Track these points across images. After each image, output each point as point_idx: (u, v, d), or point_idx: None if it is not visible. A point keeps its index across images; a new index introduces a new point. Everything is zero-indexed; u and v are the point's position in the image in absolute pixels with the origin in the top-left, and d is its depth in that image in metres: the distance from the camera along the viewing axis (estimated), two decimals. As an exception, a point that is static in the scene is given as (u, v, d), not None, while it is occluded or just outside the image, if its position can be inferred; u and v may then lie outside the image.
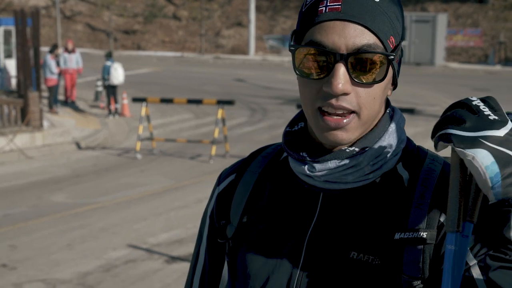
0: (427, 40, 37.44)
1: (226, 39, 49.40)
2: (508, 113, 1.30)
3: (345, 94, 1.37)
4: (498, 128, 1.22)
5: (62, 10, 54.01)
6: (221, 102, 15.56)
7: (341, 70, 1.35)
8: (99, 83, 23.27)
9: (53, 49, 22.67)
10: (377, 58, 1.36)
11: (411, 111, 14.37)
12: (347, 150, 1.43)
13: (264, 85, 28.33)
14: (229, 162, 14.34)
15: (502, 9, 43.86)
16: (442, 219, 1.40)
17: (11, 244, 9.37)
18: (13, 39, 21.94)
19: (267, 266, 1.51)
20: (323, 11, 1.37)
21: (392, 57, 1.36)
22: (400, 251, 1.40)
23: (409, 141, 1.53)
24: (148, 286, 7.93)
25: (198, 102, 16.39)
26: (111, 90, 21.46)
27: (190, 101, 16.43)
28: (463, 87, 27.91)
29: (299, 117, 1.58)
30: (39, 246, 9.27)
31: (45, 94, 21.88)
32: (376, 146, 1.45)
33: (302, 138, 1.52)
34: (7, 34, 23.12)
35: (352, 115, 1.38)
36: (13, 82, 21.74)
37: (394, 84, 1.46)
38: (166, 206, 11.27)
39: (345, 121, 1.38)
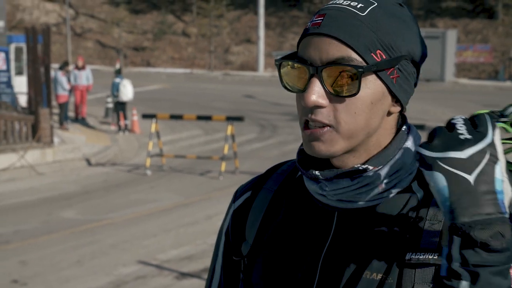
0: (436, 56, 37.43)
1: (235, 56, 49.52)
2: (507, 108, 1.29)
3: (320, 107, 1.37)
4: (462, 149, 1.19)
5: (73, 27, 54.29)
6: (230, 119, 15.57)
7: (316, 83, 1.36)
8: (109, 99, 23.36)
9: (64, 65, 22.78)
10: (348, 70, 1.35)
11: (421, 127, 14.34)
12: (360, 168, 1.42)
13: (274, 101, 28.36)
14: (238, 178, 14.35)
15: (511, 25, 43.84)
16: None
17: (21, 260, 9.39)
18: (24, 56, 22.08)
19: (282, 285, 1.50)
20: (307, 27, 1.41)
21: (362, 69, 1.34)
22: (412, 271, 1.38)
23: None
24: (158, 302, 7.93)
25: (207, 118, 16.42)
26: (120, 107, 21.52)
27: (199, 118, 16.46)
28: (473, 103, 27.86)
29: None
30: (49, 263, 9.29)
31: (56, 110, 21.97)
32: (389, 164, 1.43)
33: (315, 157, 1.51)
34: (18, 51, 23.27)
35: (326, 128, 1.38)
36: (22, 99, 21.83)
37: (399, 101, 1.44)
38: (176, 222, 11.28)
39: (319, 132, 1.38)
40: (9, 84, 21.96)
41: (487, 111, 1.31)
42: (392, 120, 1.46)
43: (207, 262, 9.07)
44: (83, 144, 18.66)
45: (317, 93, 1.36)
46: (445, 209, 1.20)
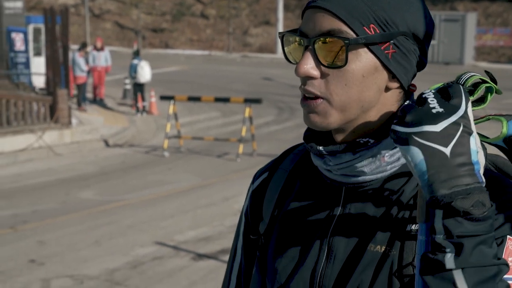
0: (456, 39, 37.20)
1: (254, 38, 49.42)
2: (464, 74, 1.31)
3: (312, 78, 1.41)
4: (436, 123, 1.20)
5: (91, 9, 54.32)
6: (248, 101, 15.56)
7: (309, 55, 1.40)
8: (127, 81, 23.39)
9: (82, 47, 22.84)
10: (336, 42, 1.37)
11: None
12: (361, 142, 1.44)
13: (292, 83, 28.30)
14: (256, 160, 14.36)
15: (532, 8, 43.44)
16: None
17: (39, 240, 9.45)
18: (42, 37, 22.15)
19: (293, 260, 1.53)
20: (309, 0, 1.45)
21: (348, 41, 1.36)
22: (413, 242, 1.40)
23: None
24: (175, 283, 7.96)
25: (225, 100, 16.41)
26: (138, 88, 21.55)
27: (217, 100, 16.46)
28: (492, 87, 27.66)
29: None
30: (67, 243, 9.34)
31: (76, 92, 22.05)
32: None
33: (321, 133, 1.54)
34: (36, 32, 23.33)
35: (320, 100, 1.41)
36: (40, 80, 21.92)
37: (396, 77, 1.43)
38: (193, 204, 11.30)
39: (313, 104, 1.41)
40: (27, 65, 22.06)
41: (440, 84, 1.31)
42: (392, 96, 1.46)
43: (224, 244, 9.09)
44: (101, 125, 18.71)
45: (309, 64, 1.39)
46: (423, 182, 1.21)
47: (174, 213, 10.77)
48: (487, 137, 1.34)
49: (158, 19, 53.54)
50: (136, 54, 22.43)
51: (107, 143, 17.00)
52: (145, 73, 21.55)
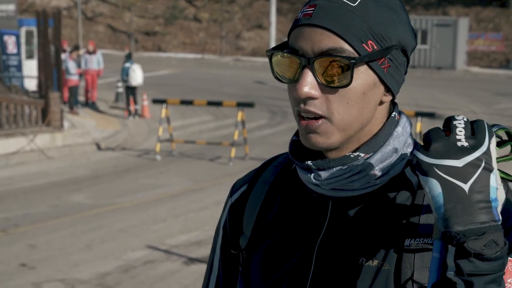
0: (448, 44, 37.30)
1: (246, 41, 49.46)
2: (493, 126, 1.28)
3: (313, 98, 1.37)
4: (459, 158, 1.20)
5: (84, 11, 54.28)
6: (241, 104, 15.55)
7: (308, 74, 1.36)
8: (119, 84, 23.37)
9: (74, 49, 22.80)
10: (340, 61, 1.35)
11: (431, 115, 14.29)
12: (351, 156, 1.42)
13: (284, 87, 27.90)
14: (248, 164, 14.35)
15: (524, 13, 43.59)
16: None
17: (30, 243, 9.42)
18: (35, 40, 22.10)
19: (279, 276, 1.51)
20: (299, 17, 1.40)
21: (354, 61, 1.34)
22: (411, 257, 1.39)
23: (416, 145, 1.51)
24: (167, 287, 7.94)
25: (218, 104, 16.40)
26: (130, 91, 21.52)
27: (210, 103, 16.44)
28: (484, 92, 27.76)
29: None
30: (58, 246, 9.31)
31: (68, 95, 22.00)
32: (381, 151, 1.43)
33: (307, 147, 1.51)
34: (28, 34, 23.27)
35: (321, 120, 1.38)
36: (32, 83, 21.86)
37: (390, 90, 1.43)
38: (185, 207, 11.29)
39: (315, 125, 1.38)
40: (19, 67, 22.01)
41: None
42: (384, 109, 1.46)
43: (215, 248, 9.08)
44: (93, 128, 18.68)
45: (309, 84, 1.36)
46: (439, 215, 1.21)
47: (166, 217, 10.75)
48: (510, 175, 1.34)
49: (151, 22, 53.53)
50: (129, 57, 22.40)
51: (99, 147, 16.97)
52: (137, 76, 21.52)
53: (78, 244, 9.41)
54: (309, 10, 1.38)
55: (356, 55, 1.35)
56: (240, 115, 15.30)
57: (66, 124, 17.78)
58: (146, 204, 11.53)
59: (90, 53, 23.38)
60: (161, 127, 15.77)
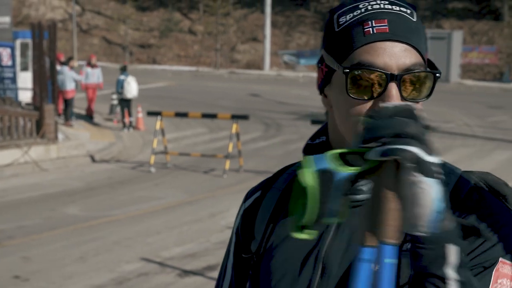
0: (442, 57, 37.39)
1: (241, 54, 49.52)
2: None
3: None
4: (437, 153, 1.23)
5: (79, 24, 54.33)
6: (235, 117, 15.57)
7: (394, 90, 1.38)
8: (114, 96, 23.36)
9: (68, 61, 22.79)
10: (425, 76, 1.40)
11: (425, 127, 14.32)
12: None
13: (279, 100, 28.35)
14: (243, 176, 14.35)
15: (518, 26, 43.74)
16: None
17: (24, 256, 9.39)
18: (30, 52, 22.09)
19: (287, 278, 1.54)
20: (370, 32, 1.40)
21: (439, 74, 1.41)
22: (408, 260, 1.38)
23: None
24: (160, 300, 7.92)
25: (212, 116, 16.41)
26: (125, 104, 21.52)
27: (204, 116, 16.45)
28: (478, 104, 27.82)
29: (322, 131, 1.62)
30: (52, 258, 9.29)
31: (63, 107, 21.97)
32: None
33: (323, 152, 1.52)
34: (23, 46, 23.28)
35: None
36: (27, 95, 21.84)
37: None
38: (180, 220, 11.28)
39: None
40: (14, 79, 21.99)
41: None
42: None
43: (210, 260, 9.06)
44: (87, 140, 18.67)
45: (397, 100, 1.38)
46: (437, 218, 1.20)
47: (160, 229, 10.73)
48: None
49: (146, 35, 53.59)
50: (123, 69, 22.41)
51: (93, 159, 16.96)
52: (131, 88, 21.52)
53: (72, 256, 9.39)
54: (383, 26, 1.40)
55: (425, 68, 1.42)
56: (234, 128, 15.31)
57: (60, 136, 17.77)
58: (141, 217, 11.52)
59: (92, 66, 23.39)
60: (155, 139, 15.77)
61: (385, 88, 1.37)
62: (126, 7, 53.72)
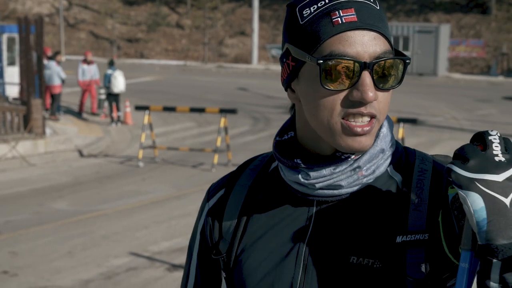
0: (429, 51, 37.48)
1: (229, 48, 49.47)
2: None
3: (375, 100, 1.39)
4: (499, 173, 1.22)
5: (66, 18, 54.12)
6: (223, 111, 15.55)
7: (368, 79, 1.36)
8: (102, 91, 23.29)
9: (55, 55, 22.69)
10: (396, 63, 1.39)
11: (413, 121, 14.35)
12: (342, 157, 1.44)
13: (267, 94, 28.34)
14: (231, 170, 14.33)
15: (505, 20, 43.90)
16: (440, 219, 1.42)
17: (12, 251, 9.37)
18: (17, 47, 21.99)
19: (266, 278, 1.51)
20: (339, 22, 1.38)
21: (409, 60, 1.40)
22: (403, 253, 1.41)
23: (397, 143, 1.55)
24: (149, 294, 7.93)
25: (200, 110, 16.40)
26: (113, 98, 21.46)
27: (192, 110, 16.43)
28: (465, 98, 27.90)
29: (288, 127, 1.58)
30: (40, 253, 9.27)
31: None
32: (369, 151, 1.45)
33: (293, 147, 1.52)
34: (10, 41, 23.16)
35: (374, 120, 1.40)
36: (13, 90, 21.74)
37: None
38: (168, 214, 11.27)
39: (370, 126, 1.39)
40: (1, 74, 21.91)
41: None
42: None
43: (198, 255, 9.06)
44: (75, 135, 18.62)
45: (371, 88, 1.37)
46: (481, 229, 1.22)
47: (148, 223, 10.73)
48: None
49: (133, 29, 53.44)
50: (111, 64, 22.35)
51: (81, 153, 16.92)
52: (118, 83, 21.46)
53: (61, 251, 9.37)
54: (351, 15, 1.38)
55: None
56: (222, 122, 15.30)
57: (48, 131, 17.72)
58: (129, 211, 11.50)
59: (88, 63, 22.98)
60: (143, 134, 15.74)
61: (358, 77, 1.36)
62: (113, 1, 53.58)
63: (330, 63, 1.37)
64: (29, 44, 17.72)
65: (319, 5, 1.40)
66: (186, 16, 53.30)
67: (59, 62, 22.65)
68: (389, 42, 1.40)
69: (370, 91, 1.35)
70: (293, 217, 1.51)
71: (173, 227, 10.53)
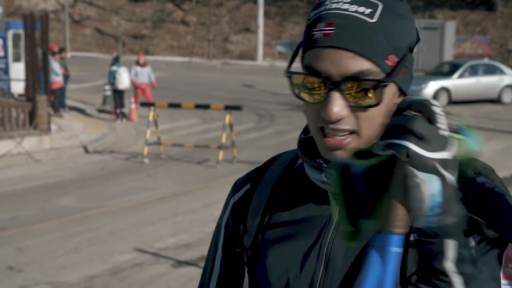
0: (435, 48, 37.40)
1: (234, 45, 49.47)
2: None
3: (342, 118, 1.36)
4: (450, 150, 1.21)
5: (71, 14, 54.17)
6: (228, 108, 15.55)
7: (336, 96, 1.34)
8: (107, 87, 23.30)
9: (59, 51, 22.69)
10: (370, 84, 1.34)
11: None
12: None
13: (272, 90, 28.34)
14: (236, 167, 14.35)
15: (511, 17, 43.82)
16: None
17: (18, 246, 9.39)
18: (22, 43, 22.03)
19: (288, 272, 1.51)
20: (316, 36, 1.36)
21: (385, 83, 1.34)
22: (415, 251, 1.38)
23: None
24: (154, 290, 7.94)
25: (206, 107, 16.39)
26: (117, 95, 21.48)
27: (198, 106, 16.43)
28: (471, 95, 27.84)
29: None
30: (45, 250, 9.29)
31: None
32: None
33: (316, 146, 1.50)
34: (15, 37, 23.21)
35: (352, 135, 1.37)
36: (19, 86, 21.77)
37: (403, 92, 1.43)
38: (173, 210, 11.28)
39: (345, 141, 1.37)
40: (6, 70, 21.94)
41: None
42: (393, 108, 1.44)
43: (204, 251, 9.07)
44: (80, 131, 18.64)
45: (339, 106, 1.34)
46: (434, 212, 1.21)
47: (154, 220, 10.74)
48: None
49: (139, 26, 53.47)
50: (116, 60, 22.35)
51: (86, 150, 16.94)
52: (123, 79, 21.47)
53: (66, 247, 9.39)
54: (329, 30, 1.34)
55: (380, 72, 1.34)
56: (227, 118, 15.30)
57: (53, 127, 17.74)
58: (134, 207, 11.52)
59: (141, 65, 22.25)
60: (148, 130, 15.75)
61: (326, 95, 1.34)
62: (119, -2, 53.57)
63: (297, 77, 1.39)
64: (35, 40, 17.75)
65: (317, 11, 1.40)
66: (191, 13, 53.31)
67: (63, 58, 22.66)
68: (372, 60, 1.33)
69: (334, 110, 1.33)
70: (316, 214, 1.51)
71: (178, 223, 10.54)
